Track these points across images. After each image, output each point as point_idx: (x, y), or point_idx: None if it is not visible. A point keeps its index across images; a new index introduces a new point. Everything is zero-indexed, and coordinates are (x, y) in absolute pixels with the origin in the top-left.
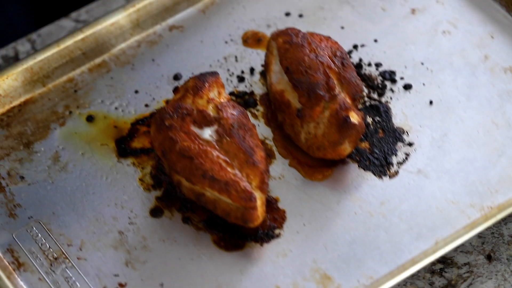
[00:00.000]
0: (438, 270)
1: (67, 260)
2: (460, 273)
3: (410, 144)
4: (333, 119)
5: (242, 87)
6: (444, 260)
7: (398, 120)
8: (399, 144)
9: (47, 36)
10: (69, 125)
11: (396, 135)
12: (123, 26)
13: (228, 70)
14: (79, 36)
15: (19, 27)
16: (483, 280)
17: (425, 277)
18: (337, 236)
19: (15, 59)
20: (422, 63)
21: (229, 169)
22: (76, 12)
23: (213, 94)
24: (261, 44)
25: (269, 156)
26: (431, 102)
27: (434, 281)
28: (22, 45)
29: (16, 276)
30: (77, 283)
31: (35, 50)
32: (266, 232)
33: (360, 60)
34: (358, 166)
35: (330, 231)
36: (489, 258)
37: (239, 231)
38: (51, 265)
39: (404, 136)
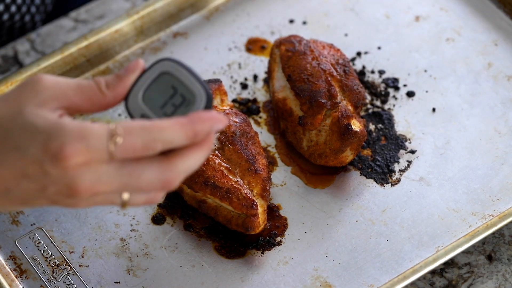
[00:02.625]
0: (439, 271)
1: (69, 267)
2: (460, 273)
3: (412, 152)
4: (335, 126)
5: (245, 94)
6: (445, 261)
7: (400, 128)
8: (402, 151)
9: (46, 36)
10: None
11: (398, 143)
12: (127, 33)
13: (232, 77)
14: (83, 43)
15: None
16: (483, 280)
17: (426, 277)
18: (338, 244)
19: (14, 59)
20: (426, 71)
21: (231, 176)
22: (75, 11)
23: (215, 101)
24: (265, 51)
25: (271, 163)
26: (434, 110)
27: (434, 281)
28: (22, 45)
29: (18, 283)
30: None
31: (34, 50)
32: (267, 240)
33: (364, 67)
34: (360, 173)
35: (331, 239)
36: (489, 258)
37: (241, 239)
38: (53, 272)
39: (407, 144)
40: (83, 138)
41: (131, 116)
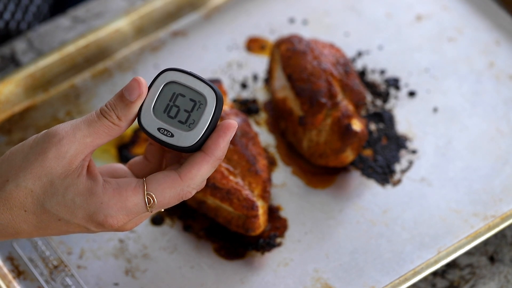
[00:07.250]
0: (440, 272)
1: (67, 269)
2: (462, 275)
3: (413, 152)
4: (335, 126)
5: (245, 94)
6: (446, 262)
7: (401, 128)
8: (403, 151)
9: (44, 35)
10: None
11: (399, 143)
12: (126, 32)
13: (231, 76)
14: (82, 43)
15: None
16: (485, 281)
17: (427, 279)
18: (339, 245)
19: (12, 59)
20: (427, 70)
21: (231, 177)
22: (74, 10)
23: None
24: (265, 50)
25: (272, 163)
26: (435, 109)
27: (436, 282)
28: (20, 44)
29: (16, 284)
30: None
31: (32, 49)
32: (267, 241)
33: (364, 67)
34: (361, 173)
35: (332, 240)
36: (491, 259)
37: (240, 240)
38: (51, 273)
39: (408, 144)
40: (122, 208)
41: (147, 133)
